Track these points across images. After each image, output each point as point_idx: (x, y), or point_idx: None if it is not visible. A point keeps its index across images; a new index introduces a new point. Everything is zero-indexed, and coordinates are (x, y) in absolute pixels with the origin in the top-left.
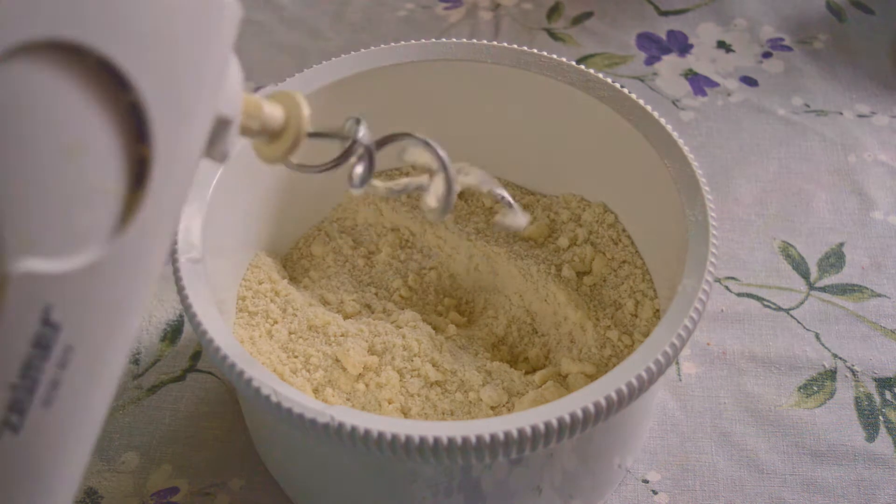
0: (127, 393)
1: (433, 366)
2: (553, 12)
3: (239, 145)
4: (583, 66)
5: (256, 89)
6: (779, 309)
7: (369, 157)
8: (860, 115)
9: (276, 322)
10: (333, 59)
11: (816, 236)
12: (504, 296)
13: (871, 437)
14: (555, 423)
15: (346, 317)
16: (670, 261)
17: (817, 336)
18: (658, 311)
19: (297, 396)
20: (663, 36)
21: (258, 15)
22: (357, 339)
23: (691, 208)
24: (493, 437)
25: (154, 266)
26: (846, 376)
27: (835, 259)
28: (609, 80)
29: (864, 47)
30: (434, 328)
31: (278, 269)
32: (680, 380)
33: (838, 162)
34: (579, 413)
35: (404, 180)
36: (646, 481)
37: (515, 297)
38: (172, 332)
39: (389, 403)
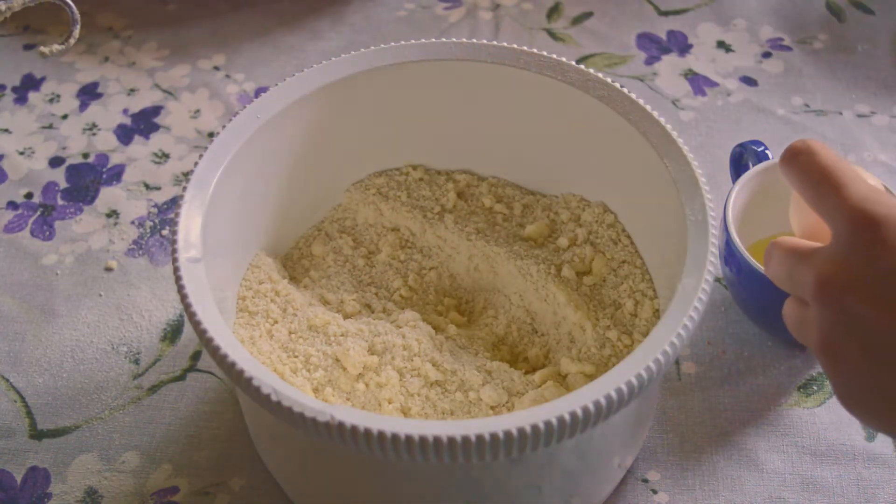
0: (127, 393)
1: (433, 365)
2: (553, 12)
3: (237, 145)
4: (583, 66)
5: (257, 91)
6: None
7: None
8: (860, 115)
9: (276, 322)
10: (333, 59)
11: None
12: (504, 296)
13: (870, 437)
14: (555, 422)
15: (346, 317)
16: (670, 260)
17: None
18: (658, 310)
19: (298, 396)
20: (663, 36)
21: (259, 15)
22: (357, 339)
23: (691, 208)
24: (493, 437)
25: None
26: None
27: None
28: (609, 80)
29: (863, 47)
30: (434, 328)
31: (278, 268)
32: (680, 379)
33: None
34: (579, 412)
35: None
36: (646, 481)
37: (515, 297)
38: (172, 332)
39: (389, 403)
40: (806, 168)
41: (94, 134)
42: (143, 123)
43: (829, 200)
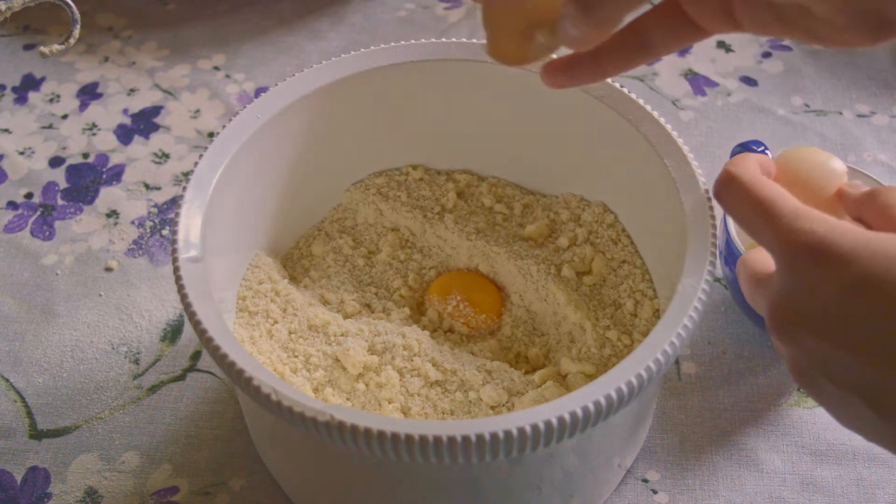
0: (127, 393)
1: (433, 365)
2: None
3: (237, 145)
4: None
5: (257, 91)
6: None
7: None
8: (860, 115)
9: (276, 322)
10: (333, 59)
11: None
12: (504, 295)
13: None
14: (555, 422)
15: (346, 316)
16: (670, 260)
17: None
18: (658, 310)
19: (298, 395)
20: None
21: (259, 15)
22: (357, 339)
23: (691, 208)
24: (493, 437)
25: None
26: None
27: None
28: (609, 80)
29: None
30: None
31: (278, 268)
32: (680, 379)
33: None
34: (579, 412)
35: None
36: (646, 481)
37: (515, 297)
38: (172, 332)
39: (389, 403)
40: (735, 204)
41: (94, 134)
42: (143, 123)
43: (762, 235)
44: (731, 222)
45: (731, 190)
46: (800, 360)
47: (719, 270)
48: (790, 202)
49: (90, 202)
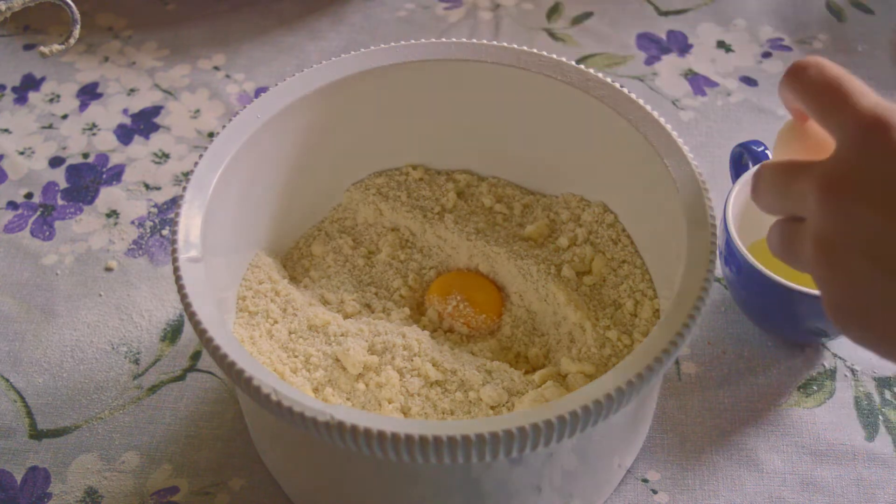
0: (127, 393)
1: (433, 365)
2: (553, 12)
3: (237, 145)
4: (582, 66)
5: (257, 91)
6: None
7: None
8: None
9: (276, 322)
10: (333, 59)
11: None
12: (504, 296)
13: (870, 437)
14: (555, 422)
15: (346, 316)
16: (670, 261)
17: None
18: (658, 310)
19: (298, 395)
20: (663, 36)
21: (259, 15)
22: (357, 339)
23: (691, 208)
24: (493, 436)
25: None
26: (846, 376)
27: None
28: (609, 80)
29: (863, 47)
30: None
31: (278, 268)
32: (680, 379)
33: None
34: (579, 412)
35: None
36: (646, 481)
37: (515, 297)
38: (172, 332)
39: (389, 403)
40: (816, 79)
41: (94, 134)
42: (143, 123)
43: (838, 108)
44: (730, 222)
45: (810, 69)
46: (834, 233)
47: (719, 270)
48: (868, 90)
49: (90, 202)
